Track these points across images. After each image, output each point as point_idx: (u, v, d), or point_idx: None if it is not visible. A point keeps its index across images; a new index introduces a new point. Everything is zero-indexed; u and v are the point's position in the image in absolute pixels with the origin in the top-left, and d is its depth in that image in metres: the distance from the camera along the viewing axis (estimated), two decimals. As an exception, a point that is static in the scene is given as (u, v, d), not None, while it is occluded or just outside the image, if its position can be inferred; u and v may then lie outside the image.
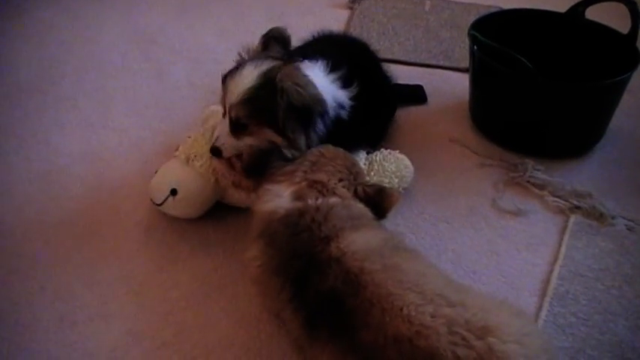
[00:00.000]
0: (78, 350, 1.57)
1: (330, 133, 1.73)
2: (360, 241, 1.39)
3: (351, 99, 1.78)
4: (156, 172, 1.86)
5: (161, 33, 2.86)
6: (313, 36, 2.15)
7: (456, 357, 1.17)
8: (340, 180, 1.57)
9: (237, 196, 1.86)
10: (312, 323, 1.35)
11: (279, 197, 1.52)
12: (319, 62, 1.80)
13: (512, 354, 1.18)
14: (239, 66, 1.73)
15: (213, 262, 1.78)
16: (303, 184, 1.53)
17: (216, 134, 1.75)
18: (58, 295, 1.70)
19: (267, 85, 1.66)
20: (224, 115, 1.74)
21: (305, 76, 1.70)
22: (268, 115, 1.67)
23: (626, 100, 2.19)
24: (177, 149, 1.88)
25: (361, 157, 1.88)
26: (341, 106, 1.76)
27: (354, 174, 1.62)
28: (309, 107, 1.68)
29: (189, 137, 1.89)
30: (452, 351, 1.17)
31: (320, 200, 1.49)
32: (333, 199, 1.50)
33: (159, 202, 1.83)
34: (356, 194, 1.56)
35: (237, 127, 1.71)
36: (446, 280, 1.38)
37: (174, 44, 2.78)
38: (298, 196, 1.50)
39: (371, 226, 1.49)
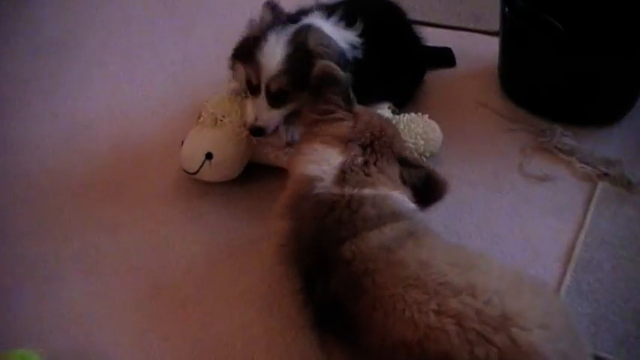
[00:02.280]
0: (103, 301, 1.60)
1: (353, 75, 1.73)
2: (374, 239, 1.27)
3: (359, 36, 1.79)
4: (182, 143, 1.84)
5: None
6: None
7: (474, 358, 1.07)
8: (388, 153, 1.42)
9: (266, 156, 1.85)
10: (319, 324, 1.30)
11: (325, 163, 1.38)
12: (315, 13, 1.82)
13: (538, 342, 1.08)
14: (256, 40, 1.71)
15: (237, 219, 1.79)
16: (358, 159, 1.38)
17: (252, 114, 1.72)
18: (83, 247, 1.72)
19: (298, 51, 1.67)
20: (256, 91, 1.72)
21: (327, 35, 1.72)
22: (305, 80, 1.65)
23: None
24: (199, 117, 1.85)
25: (386, 115, 1.87)
26: (353, 46, 1.77)
27: (397, 144, 1.47)
28: (339, 64, 1.67)
29: (207, 102, 1.87)
30: (468, 351, 1.07)
31: (356, 191, 1.33)
32: (366, 191, 1.34)
33: (194, 171, 1.81)
34: (401, 177, 1.43)
35: (277, 99, 1.71)
36: (452, 258, 1.25)
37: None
38: (342, 176, 1.35)
39: (397, 219, 1.33)
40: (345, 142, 1.41)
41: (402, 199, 1.39)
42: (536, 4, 2.03)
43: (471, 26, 2.60)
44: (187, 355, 1.49)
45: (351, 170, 1.36)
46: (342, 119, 1.46)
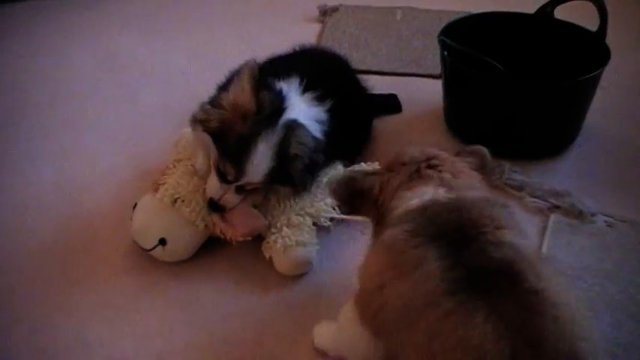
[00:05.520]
0: (57, 382, 1.54)
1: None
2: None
3: (327, 111, 1.77)
4: (134, 207, 1.80)
5: (131, 56, 2.84)
6: (293, 49, 2.14)
7: None
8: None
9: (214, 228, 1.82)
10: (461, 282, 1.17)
11: (424, 194, 1.33)
12: (293, 81, 1.77)
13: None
14: (242, 139, 1.64)
15: (192, 286, 1.75)
16: (446, 180, 1.36)
17: (216, 193, 1.71)
18: (36, 325, 1.67)
19: (281, 156, 1.66)
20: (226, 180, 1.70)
21: (308, 133, 1.70)
22: (281, 179, 1.70)
23: (600, 98, 2.19)
24: (156, 188, 1.80)
25: (338, 171, 1.86)
26: (321, 122, 1.75)
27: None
28: (316, 159, 1.73)
29: (165, 175, 1.83)
30: None
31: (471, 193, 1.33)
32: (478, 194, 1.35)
33: (145, 249, 1.77)
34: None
35: (245, 190, 1.73)
36: None
37: (145, 67, 2.76)
38: (449, 186, 1.34)
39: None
40: (418, 182, 1.37)
41: None
42: (473, 45, 2.08)
43: (414, 71, 2.65)
44: None
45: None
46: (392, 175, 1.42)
